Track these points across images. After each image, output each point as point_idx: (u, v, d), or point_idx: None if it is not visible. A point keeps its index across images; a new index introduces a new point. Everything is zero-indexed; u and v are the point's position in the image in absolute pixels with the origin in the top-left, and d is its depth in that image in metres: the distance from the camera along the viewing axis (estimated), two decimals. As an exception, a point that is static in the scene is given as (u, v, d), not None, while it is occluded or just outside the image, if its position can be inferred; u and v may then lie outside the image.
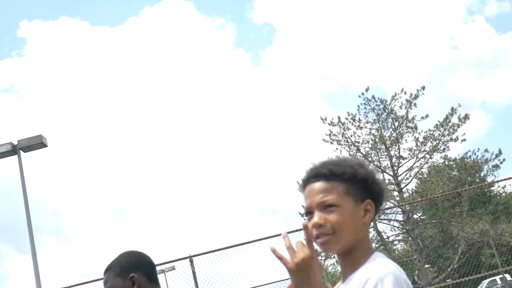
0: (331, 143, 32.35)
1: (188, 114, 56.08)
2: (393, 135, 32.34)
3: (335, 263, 32.42)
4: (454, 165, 35.58)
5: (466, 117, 31.34)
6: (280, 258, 1.74)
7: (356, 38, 53.21)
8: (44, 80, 56.96)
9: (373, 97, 32.36)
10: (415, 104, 31.78)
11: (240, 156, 54.06)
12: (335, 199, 1.79)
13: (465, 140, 31.58)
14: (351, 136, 32.29)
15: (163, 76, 56.86)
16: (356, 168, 1.86)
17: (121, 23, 72.76)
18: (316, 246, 1.78)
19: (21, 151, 13.40)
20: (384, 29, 52.41)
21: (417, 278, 30.31)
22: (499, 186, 35.39)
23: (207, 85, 57.22)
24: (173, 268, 20.23)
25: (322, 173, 1.83)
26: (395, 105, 32.24)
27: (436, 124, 31.68)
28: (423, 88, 32.02)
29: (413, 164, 32.38)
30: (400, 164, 32.46)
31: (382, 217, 31.76)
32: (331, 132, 32.29)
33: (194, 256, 12.31)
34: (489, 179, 33.20)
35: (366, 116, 32.60)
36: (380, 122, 32.45)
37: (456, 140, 31.58)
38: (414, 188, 32.96)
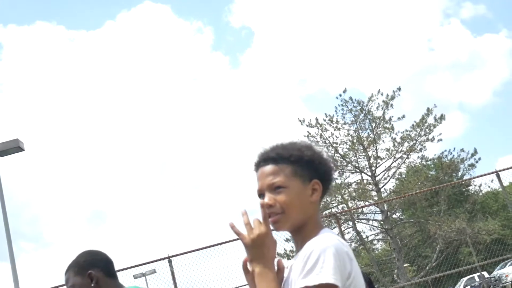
0: (309, 144, 32.51)
1: (166, 117, 56.04)
2: (371, 135, 32.70)
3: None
4: (432, 165, 36.03)
5: (442, 117, 31.81)
6: (238, 233, 1.91)
7: (334, 40, 53.63)
8: (20, 84, 56.59)
9: (351, 98, 32.78)
10: (391, 105, 32.23)
11: (218, 158, 54.10)
12: (283, 181, 1.91)
13: (441, 140, 32.10)
14: (329, 137, 32.60)
15: (140, 79, 56.75)
16: (303, 150, 1.97)
17: (98, 27, 72.54)
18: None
19: (-3, 155, 13.38)
20: (362, 32, 52.91)
21: (396, 277, 30.61)
22: (475, 185, 35.97)
23: (186, 88, 57.25)
24: (154, 271, 20.27)
25: (270, 156, 1.96)
26: (372, 106, 32.66)
27: (413, 125, 32.14)
28: (399, 89, 32.50)
29: (391, 164, 32.80)
30: (378, 164, 32.81)
31: (361, 217, 32.06)
32: (309, 133, 32.57)
33: (173, 256, 12.28)
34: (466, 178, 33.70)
35: (344, 118, 33.04)
36: (357, 123, 32.80)
37: (432, 140, 32.01)
38: (392, 188, 33.31)
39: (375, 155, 32.61)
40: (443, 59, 57.83)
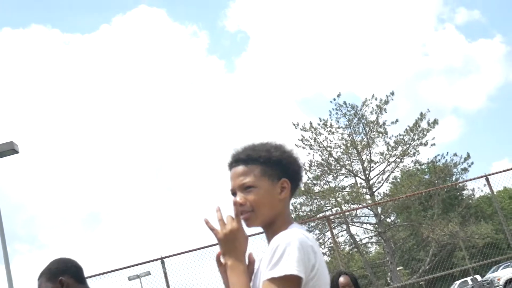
0: (304, 148, 32.77)
1: (161, 120, 56.14)
2: (364, 139, 32.88)
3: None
4: (426, 169, 36.22)
5: (435, 122, 32.03)
6: (212, 229, 2.06)
7: (330, 44, 53.84)
8: (15, 87, 56.59)
9: (345, 102, 32.97)
10: (385, 110, 32.44)
11: (213, 161, 54.22)
12: (252, 181, 2.05)
13: (434, 144, 32.31)
14: (323, 141, 32.73)
15: (136, 83, 56.87)
16: (272, 151, 2.10)
17: (93, 31, 72.57)
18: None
19: (-8, 158, 13.44)
20: (357, 36, 53.14)
21: (389, 280, 30.77)
22: (467, 189, 36.19)
23: (181, 92, 57.35)
24: (149, 273, 20.34)
25: (241, 158, 2.11)
26: (366, 111, 32.87)
27: (406, 129, 32.34)
28: (392, 93, 32.73)
29: (385, 168, 32.95)
30: (372, 168, 32.97)
31: (355, 220, 32.21)
32: (303, 137, 32.72)
33: (166, 257, 12.33)
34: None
35: (338, 122, 33.19)
36: (351, 127, 32.98)
37: (425, 144, 32.20)
38: (386, 192, 33.47)
39: (369, 159, 32.77)
40: (437, 64, 58.18)
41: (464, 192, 38.80)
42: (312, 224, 30.92)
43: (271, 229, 2.07)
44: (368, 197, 32.64)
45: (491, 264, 20.09)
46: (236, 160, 2.12)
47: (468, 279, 30.24)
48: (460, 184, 35.65)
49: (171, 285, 12.43)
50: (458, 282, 31.43)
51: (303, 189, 32.14)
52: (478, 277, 27.94)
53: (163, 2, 65.84)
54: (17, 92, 56.78)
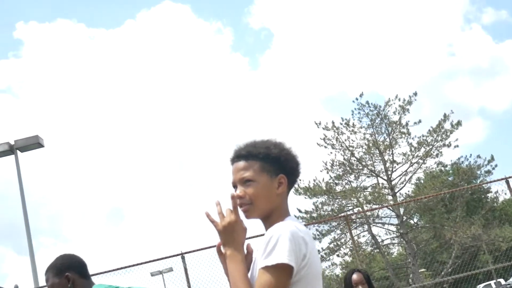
0: (325, 147, 32.85)
1: (185, 117, 56.45)
2: (387, 140, 32.78)
3: (330, 265, 32.87)
4: (450, 171, 36.02)
5: (459, 123, 31.82)
6: (212, 221, 2.22)
7: (354, 43, 53.66)
8: (41, 81, 57.30)
9: (367, 102, 32.90)
10: (408, 110, 32.33)
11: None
12: (252, 176, 2.20)
13: (457, 146, 32.10)
14: (345, 140, 32.72)
15: (160, 79, 57.24)
16: (271, 148, 2.24)
17: (118, 26, 72.91)
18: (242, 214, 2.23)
19: (18, 151, 13.71)
20: (382, 35, 52.86)
21: (411, 281, 30.67)
22: (490, 192, 35.88)
23: (205, 88, 57.65)
24: (171, 269, 20.58)
25: (242, 154, 2.26)
26: (388, 111, 32.79)
27: (429, 130, 32.20)
28: (416, 94, 32.62)
29: (407, 169, 32.82)
30: (394, 169, 32.89)
31: (377, 220, 32.17)
32: (325, 136, 32.75)
33: (186, 253, 12.47)
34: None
35: (360, 121, 33.14)
36: (374, 127, 32.89)
37: (449, 146, 32.03)
38: (408, 193, 33.36)
39: (391, 160, 32.64)
40: (463, 64, 57.59)
41: (489, 195, 38.50)
42: (334, 223, 30.98)
43: (269, 221, 2.21)
44: (390, 197, 32.57)
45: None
46: (238, 156, 2.27)
47: (492, 282, 30.01)
48: (485, 187, 35.38)
49: (191, 281, 12.55)
50: (481, 286, 31.22)
51: (324, 188, 32.23)
52: (502, 281, 27.76)
53: (187, -2, 66.22)
54: (43, 87, 57.56)
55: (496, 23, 58.87)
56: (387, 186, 32.77)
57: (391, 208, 30.55)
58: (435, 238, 32.69)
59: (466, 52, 56.04)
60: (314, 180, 32.60)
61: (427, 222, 33.84)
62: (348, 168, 32.78)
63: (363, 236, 32.45)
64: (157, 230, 53.47)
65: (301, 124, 54.75)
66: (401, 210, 31.77)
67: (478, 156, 33.18)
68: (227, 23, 70.10)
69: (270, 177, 2.22)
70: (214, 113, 56.91)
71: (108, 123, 55.95)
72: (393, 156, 32.63)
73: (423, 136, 32.30)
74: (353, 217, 30.36)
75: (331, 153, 32.89)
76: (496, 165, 33.24)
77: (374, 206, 30.60)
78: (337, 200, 32.88)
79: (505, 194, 29.55)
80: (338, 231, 31.69)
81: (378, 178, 33.05)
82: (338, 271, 32.53)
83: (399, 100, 32.53)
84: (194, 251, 12.52)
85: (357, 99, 33.10)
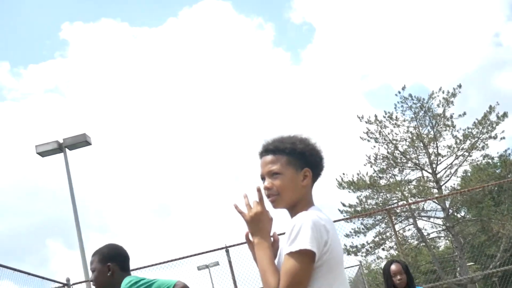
0: (369, 141, 32.73)
1: (229, 112, 56.86)
2: (431, 133, 32.44)
3: (376, 259, 32.80)
4: (498, 163, 35.43)
5: (505, 115, 31.26)
6: (240, 212, 2.41)
7: (398, 34, 53.06)
8: (87, 80, 58.46)
9: (410, 95, 32.64)
10: (452, 102, 31.95)
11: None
12: (279, 169, 2.37)
13: (504, 138, 31.51)
14: (388, 134, 32.49)
15: (203, 76, 57.79)
16: (297, 143, 2.41)
17: (160, 24, 73.59)
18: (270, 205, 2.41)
19: (66, 149, 14.14)
20: (427, 26, 52.09)
21: (458, 275, 30.36)
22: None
23: (247, 84, 57.95)
24: (217, 263, 20.90)
25: (270, 148, 2.43)
26: (432, 103, 32.46)
27: (474, 122, 31.74)
28: (460, 86, 32.18)
29: (452, 162, 32.43)
30: (439, 162, 32.55)
31: (422, 214, 31.93)
32: (369, 130, 32.59)
33: (230, 246, 12.63)
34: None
35: (403, 114, 32.81)
36: (417, 120, 32.59)
37: (495, 137, 31.52)
38: (454, 186, 32.97)
39: (436, 152, 32.22)
40: (510, 54, 56.34)
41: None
42: (379, 217, 30.88)
43: (294, 210, 2.39)
44: (435, 191, 32.25)
45: None
46: (266, 150, 2.45)
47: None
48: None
49: (236, 274, 12.71)
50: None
51: (368, 182, 32.14)
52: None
53: (228, -5, 66.55)
54: (89, 85, 58.75)
55: (544, 12, 57.38)
56: (432, 179, 32.44)
57: (436, 201, 30.25)
58: (483, 231, 32.25)
59: (513, 42, 54.77)
60: (358, 174, 32.58)
61: (474, 215, 33.37)
62: (392, 162, 32.58)
63: (409, 229, 32.26)
64: (202, 224, 54.10)
65: (343, 118, 54.50)
66: (447, 203, 31.45)
67: (525, 148, 32.61)
68: (268, 19, 70.06)
69: (295, 170, 2.39)
70: (257, 108, 57.20)
71: (153, 120, 56.78)
72: (437, 149, 32.25)
73: (468, 128, 31.84)
74: (398, 210, 30.22)
75: (374, 146, 32.81)
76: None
77: (419, 200, 30.35)
78: (381, 194, 32.75)
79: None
80: (383, 225, 31.60)
81: (423, 171, 32.77)
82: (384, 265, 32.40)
83: (443, 92, 32.15)
84: (238, 244, 12.62)
85: (399, 92, 32.91)
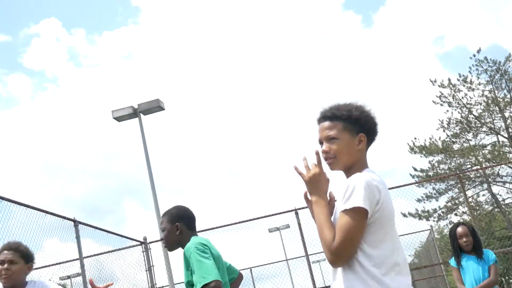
0: (441, 105, 32.10)
1: (299, 77, 56.79)
2: (508, 96, 31.52)
3: (449, 224, 32.37)
4: None
5: None
6: (300, 173, 2.63)
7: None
8: (159, 46, 59.54)
9: (486, 58, 31.67)
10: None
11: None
12: (335, 134, 2.57)
13: None
14: (462, 98, 31.80)
15: (273, 40, 57.73)
16: (352, 110, 2.59)
17: (233, -13, 73.81)
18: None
19: (141, 114, 14.66)
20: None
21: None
22: None
23: (318, 48, 57.53)
24: (288, 226, 21.30)
25: (327, 115, 2.63)
26: (509, 66, 31.40)
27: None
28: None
29: (530, 126, 31.50)
30: (516, 126, 31.66)
31: (497, 179, 31.26)
32: (442, 94, 31.95)
33: (300, 209, 12.88)
34: None
35: (478, 78, 31.97)
36: (493, 83, 31.69)
37: None
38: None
39: (512, 116, 31.47)
40: None
41: None
42: (451, 182, 30.44)
43: (350, 172, 2.59)
44: (511, 155, 31.45)
45: None
46: (324, 117, 2.66)
47: None
48: None
49: (305, 236, 12.95)
50: None
51: (441, 147, 31.64)
52: None
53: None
54: (161, 51, 59.79)
55: None
56: (508, 144, 31.61)
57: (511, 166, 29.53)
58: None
59: None
60: (430, 139, 32.09)
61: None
62: (465, 126, 31.89)
63: (483, 195, 31.65)
64: (272, 188, 54.69)
65: (416, 82, 53.30)
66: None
67: None
68: (339, -19, 68.87)
69: (351, 136, 2.58)
70: (328, 72, 56.85)
71: (224, 84, 57.44)
72: (514, 113, 31.39)
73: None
74: (471, 175, 29.67)
75: (447, 111, 32.17)
76: None
77: (493, 164, 29.67)
78: (454, 159, 32.20)
79: None
80: (456, 190, 31.14)
81: (498, 136, 31.94)
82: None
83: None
84: (307, 207, 12.84)
85: (474, 55, 32.01)
